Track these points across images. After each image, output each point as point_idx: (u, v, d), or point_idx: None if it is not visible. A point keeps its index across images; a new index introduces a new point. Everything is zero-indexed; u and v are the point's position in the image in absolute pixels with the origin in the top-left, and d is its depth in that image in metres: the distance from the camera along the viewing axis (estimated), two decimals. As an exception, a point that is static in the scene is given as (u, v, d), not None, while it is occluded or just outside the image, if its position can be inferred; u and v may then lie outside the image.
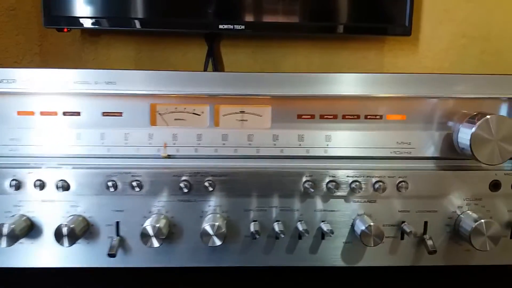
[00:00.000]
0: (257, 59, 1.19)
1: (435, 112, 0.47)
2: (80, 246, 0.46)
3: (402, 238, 0.47)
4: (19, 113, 0.46)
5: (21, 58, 1.17)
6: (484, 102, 0.46)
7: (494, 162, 0.43)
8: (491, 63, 1.20)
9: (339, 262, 0.48)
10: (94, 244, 0.47)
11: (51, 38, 1.17)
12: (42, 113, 0.46)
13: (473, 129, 0.43)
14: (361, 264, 0.48)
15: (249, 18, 0.79)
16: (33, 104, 0.46)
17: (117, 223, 0.46)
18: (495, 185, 0.46)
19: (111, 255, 0.45)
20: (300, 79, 0.46)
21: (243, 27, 0.78)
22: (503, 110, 0.47)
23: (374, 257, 0.48)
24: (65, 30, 0.83)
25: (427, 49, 1.12)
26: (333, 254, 0.48)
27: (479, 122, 0.42)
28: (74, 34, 1.01)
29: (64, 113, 0.46)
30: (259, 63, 1.20)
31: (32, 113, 0.46)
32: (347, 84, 0.45)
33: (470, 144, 0.43)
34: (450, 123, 0.47)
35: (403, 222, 0.47)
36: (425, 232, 0.47)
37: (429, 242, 0.46)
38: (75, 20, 0.76)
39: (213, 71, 1.14)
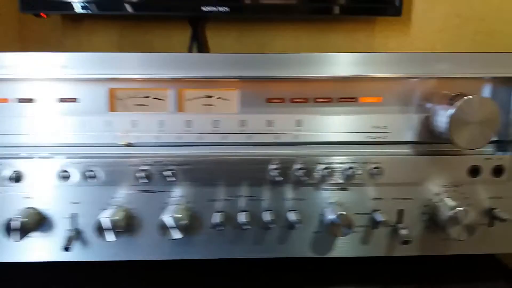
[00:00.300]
0: (244, 43, 1.15)
1: (413, 93, 0.44)
2: (35, 240, 0.44)
3: (374, 227, 0.45)
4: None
5: (2, 46, 1.14)
6: (466, 82, 0.44)
7: (474, 146, 0.40)
8: (485, 43, 1.17)
9: (309, 253, 0.45)
10: (50, 238, 0.44)
11: (31, 25, 1.13)
12: (-5, 100, 0.43)
13: (452, 111, 0.40)
14: (332, 254, 0.46)
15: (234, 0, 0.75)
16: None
17: (74, 215, 0.44)
18: (474, 171, 0.44)
19: (66, 249, 0.42)
20: (269, 60, 0.42)
21: (227, 9, 0.74)
22: (486, 91, 0.44)
23: (346, 247, 0.45)
24: (42, 15, 0.79)
25: (419, 30, 1.08)
26: (302, 245, 0.45)
27: (458, 103, 0.39)
28: (55, 20, 0.97)
29: (19, 100, 0.43)
30: (246, 46, 1.16)
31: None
32: (319, 64, 0.42)
33: (449, 127, 0.40)
34: (429, 105, 0.44)
35: (377, 210, 0.44)
36: (399, 220, 0.45)
37: (403, 232, 0.43)
38: (52, 4, 0.72)
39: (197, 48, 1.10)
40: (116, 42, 1.14)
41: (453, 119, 0.40)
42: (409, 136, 0.45)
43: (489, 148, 0.44)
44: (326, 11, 0.78)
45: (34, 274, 0.45)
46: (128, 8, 0.73)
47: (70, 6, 0.70)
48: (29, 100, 0.43)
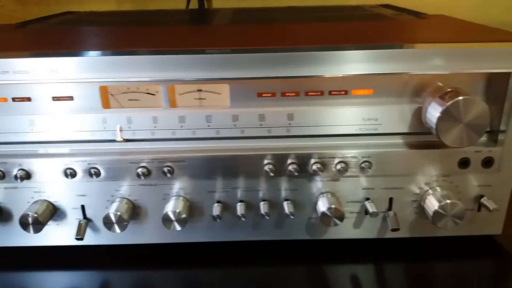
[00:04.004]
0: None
1: (405, 85, 0.44)
2: (50, 228, 0.48)
3: (366, 213, 0.47)
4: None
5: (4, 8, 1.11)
6: (461, 76, 0.42)
7: (461, 146, 0.41)
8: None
9: (304, 236, 0.48)
10: (63, 226, 0.48)
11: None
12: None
13: (441, 111, 0.39)
14: (326, 237, 0.48)
15: None
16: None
17: (83, 206, 0.47)
18: (464, 163, 0.44)
19: (79, 239, 0.46)
20: (259, 59, 0.42)
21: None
22: (481, 83, 0.43)
23: (339, 230, 0.48)
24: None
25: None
26: (298, 229, 0.48)
27: (448, 103, 0.39)
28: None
29: (14, 99, 0.44)
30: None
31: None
32: (310, 62, 0.41)
33: (436, 126, 0.40)
34: (422, 96, 0.43)
35: (368, 199, 0.46)
36: (390, 208, 0.47)
37: (393, 219, 0.46)
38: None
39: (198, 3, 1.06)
40: (114, -2, 1.10)
41: (441, 119, 0.39)
42: (400, 128, 0.45)
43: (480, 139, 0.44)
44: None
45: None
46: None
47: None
48: (27, 99, 0.44)
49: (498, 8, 1.10)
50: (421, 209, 0.46)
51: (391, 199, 0.46)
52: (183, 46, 0.46)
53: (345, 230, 0.48)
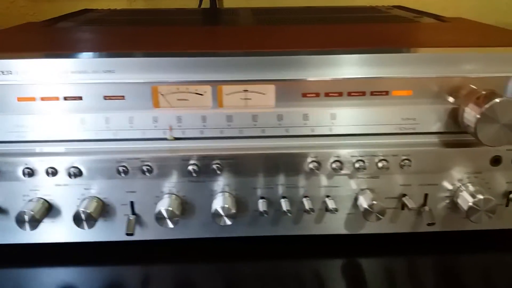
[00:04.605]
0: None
1: (443, 87, 0.46)
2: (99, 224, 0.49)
3: (402, 208, 0.49)
4: (19, 99, 0.46)
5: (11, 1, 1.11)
6: (494, 78, 0.45)
7: (497, 145, 0.44)
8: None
9: (342, 230, 0.51)
10: (112, 222, 0.49)
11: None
12: (42, 99, 0.46)
13: (480, 112, 0.42)
14: (363, 231, 0.51)
15: None
16: (33, 90, 0.45)
17: (132, 202, 0.49)
18: (496, 161, 0.47)
19: (129, 234, 0.48)
20: (304, 61, 0.45)
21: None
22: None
23: (375, 225, 0.50)
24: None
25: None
26: (337, 224, 0.50)
27: (486, 106, 0.42)
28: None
29: (66, 98, 0.46)
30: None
31: (33, 99, 0.46)
32: (352, 64, 0.44)
33: (475, 126, 0.43)
34: (457, 98, 0.46)
35: (405, 195, 0.49)
36: (425, 203, 0.49)
37: (428, 214, 0.48)
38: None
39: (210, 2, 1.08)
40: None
41: (480, 119, 0.42)
42: (436, 127, 0.47)
43: None
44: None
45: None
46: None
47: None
48: (79, 98, 0.46)
49: (500, 9, 1.14)
50: (453, 204, 0.49)
51: (426, 195, 0.49)
52: (219, 47, 0.49)
53: (382, 225, 0.50)
